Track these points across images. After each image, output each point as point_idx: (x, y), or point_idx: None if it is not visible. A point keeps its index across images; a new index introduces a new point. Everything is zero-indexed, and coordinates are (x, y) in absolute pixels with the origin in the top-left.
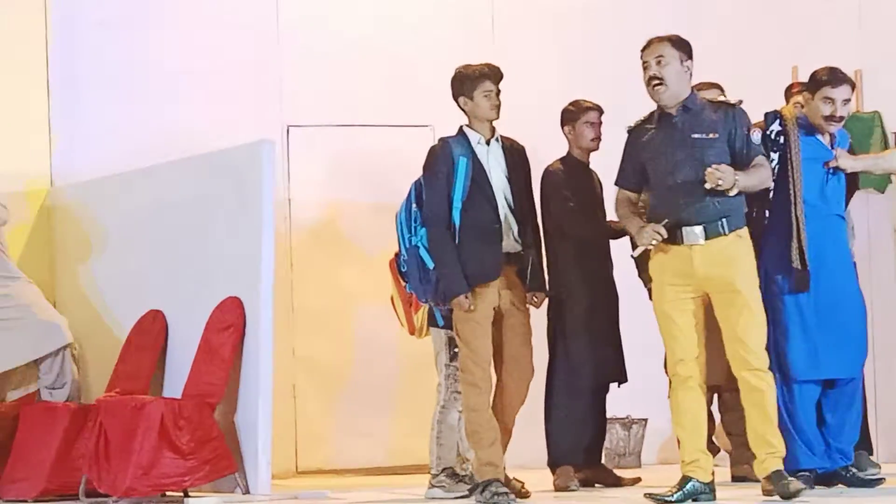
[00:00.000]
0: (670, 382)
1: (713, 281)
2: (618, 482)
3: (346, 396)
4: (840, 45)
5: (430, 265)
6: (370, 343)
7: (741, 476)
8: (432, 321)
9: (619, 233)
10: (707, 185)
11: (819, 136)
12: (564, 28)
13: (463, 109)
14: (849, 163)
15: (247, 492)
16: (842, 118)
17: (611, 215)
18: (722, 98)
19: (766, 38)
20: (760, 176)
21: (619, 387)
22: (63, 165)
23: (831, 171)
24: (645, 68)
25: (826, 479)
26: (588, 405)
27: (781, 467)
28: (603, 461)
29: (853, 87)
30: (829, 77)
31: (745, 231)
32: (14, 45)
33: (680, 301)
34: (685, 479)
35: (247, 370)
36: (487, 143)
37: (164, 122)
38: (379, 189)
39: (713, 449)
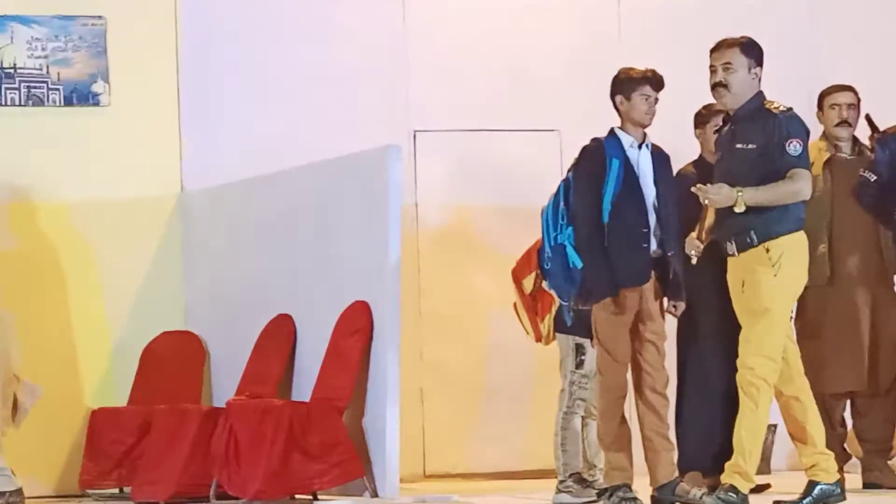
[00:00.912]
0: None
1: (741, 293)
2: None
3: (474, 400)
4: None
5: (577, 264)
6: (497, 347)
7: (872, 483)
8: (559, 327)
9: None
10: (702, 202)
11: None
12: (689, 28)
13: (618, 110)
14: None
15: (375, 495)
16: None
17: None
18: (776, 105)
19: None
20: (785, 189)
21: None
22: (193, 170)
23: None
24: (712, 71)
25: None
26: (719, 411)
27: (738, 487)
28: None
29: None
30: None
31: (777, 242)
32: (146, 53)
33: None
34: (812, 484)
35: (375, 374)
36: (639, 147)
37: (291, 128)
38: (505, 193)
39: (845, 455)
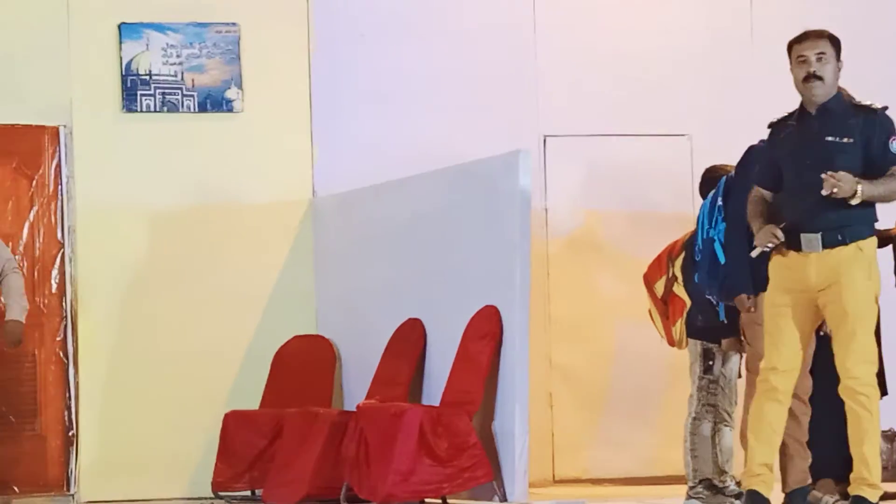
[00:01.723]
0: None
1: (826, 293)
2: (881, 496)
3: (603, 406)
4: None
5: (722, 260)
6: (626, 352)
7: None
8: (691, 332)
9: (884, 241)
10: (823, 192)
11: None
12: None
13: None
14: None
15: (504, 499)
16: None
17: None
18: (867, 102)
19: None
20: (893, 186)
21: (882, 398)
22: (324, 176)
23: None
24: (802, 62)
25: None
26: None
27: (867, 497)
28: None
29: None
30: None
31: (868, 243)
32: (278, 59)
33: (790, 309)
34: (753, 495)
35: (504, 378)
36: None
37: (420, 133)
38: (635, 198)
39: None
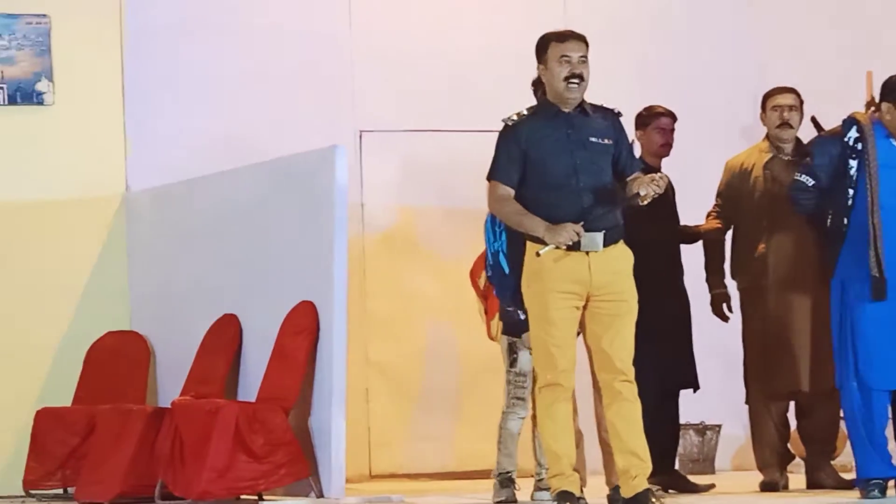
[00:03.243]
0: (538, 391)
1: (604, 289)
2: (691, 488)
3: (419, 401)
4: None
5: (507, 270)
6: (442, 348)
7: (817, 483)
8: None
9: (691, 237)
10: (643, 192)
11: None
12: (632, 29)
13: None
14: None
15: (321, 495)
16: None
17: (682, 220)
18: (600, 104)
19: (838, 43)
20: None
21: (693, 392)
22: (138, 170)
23: None
24: (566, 62)
25: None
26: (659, 411)
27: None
28: (677, 467)
29: None
30: None
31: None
32: (90, 52)
33: (567, 310)
34: (565, 495)
35: (320, 374)
36: None
37: (236, 128)
38: (451, 194)
39: (788, 455)
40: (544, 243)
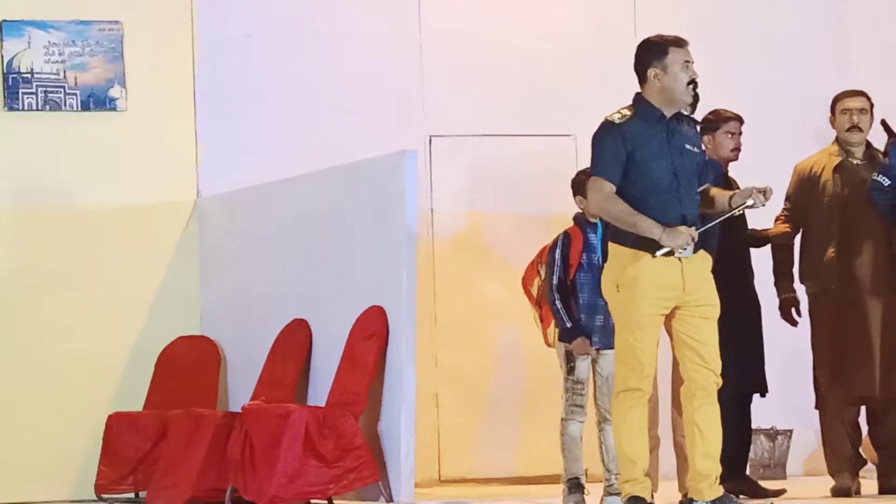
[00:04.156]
0: (616, 395)
1: (694, 294)
2: (762, 493)
3: (488, 406)
4: None
5: None
6: (511, 353)
7: (889, 488)
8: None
9: (760, 241)
10: (751, 203)
11: None
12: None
13: None
14: None
15: (390, 500)
16: None
17: (751, 224)
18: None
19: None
20: None
21: (762, 397)
22: (209, 176)
23: None
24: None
25: None
26: (730, 416)
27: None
28: (748, 472)
29: None
30: None
31: None
32: (162, 57)
33: (657, 317)
34: (636, 500)
35: (390, 379)
36: None
37: (306, 134)
38: (520, 199)
39: (860, 460)
40: (641, 247)
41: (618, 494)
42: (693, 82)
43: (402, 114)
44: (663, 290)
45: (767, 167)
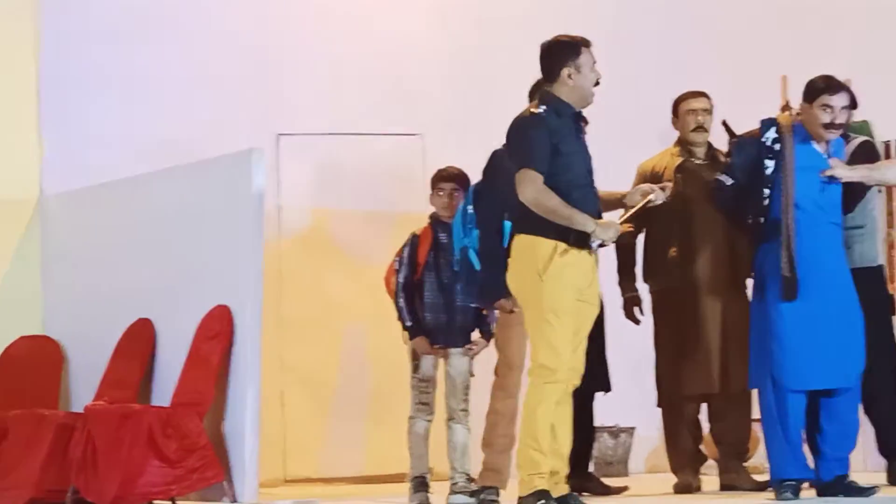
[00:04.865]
0: (531, 380)
1: (592, 289)
2: (605, 491)
3: (334, 405)
4: (828, 53)
5: (477, 267)
6: (357, 352)
7: (729, 485)
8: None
9: None
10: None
11: (815, 145)
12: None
13: None
14: (844, 172)
15: (234, 500)
16: (840, 125)
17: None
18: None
19: (755, 46)
20: None
21: (604, 395)
22: (53, 173)
23: (827, 179)
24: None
25: (824, 489)
26: (573, 414)
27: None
28: (591, 470)
29: (851, 94)
30: (827, 85)
31: None
32: (3, 51)
33: (576, 306)
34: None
35: (235, 379)
36: None
37: (154, 130)
38: (368, 197)
39: (701, 457)
40: (563, 239)
41: (463, 493)
42: (597, 82)
43: (251, 112)
44: (582, 282)
45: (613, 167)
